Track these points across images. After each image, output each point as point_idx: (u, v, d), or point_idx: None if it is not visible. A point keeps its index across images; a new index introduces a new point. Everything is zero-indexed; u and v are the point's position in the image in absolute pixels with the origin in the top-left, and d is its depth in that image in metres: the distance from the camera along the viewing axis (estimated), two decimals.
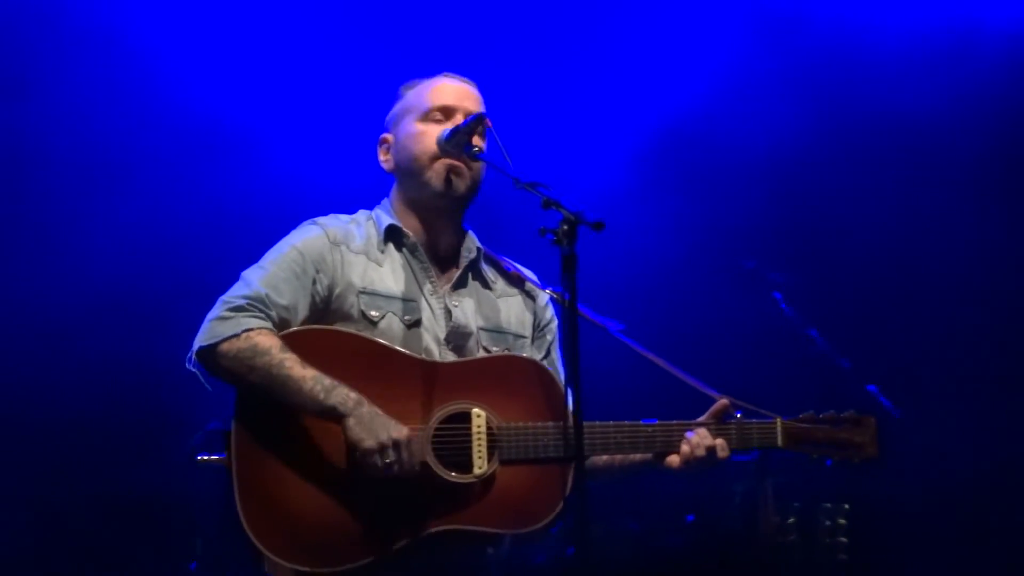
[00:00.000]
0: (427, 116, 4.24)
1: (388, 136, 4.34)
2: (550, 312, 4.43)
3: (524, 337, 4.33)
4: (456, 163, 4.20)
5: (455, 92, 4.27)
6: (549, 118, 7.33)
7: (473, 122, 4.16)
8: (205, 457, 4.02)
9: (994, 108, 7.36)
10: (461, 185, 4.22)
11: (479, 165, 4.22)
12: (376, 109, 4.50)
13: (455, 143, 4.17)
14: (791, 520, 6.69)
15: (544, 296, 4.41)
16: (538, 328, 4.39)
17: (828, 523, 6.67)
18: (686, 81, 7.51)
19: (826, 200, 7.41)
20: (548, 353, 4.39)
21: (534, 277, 4.42)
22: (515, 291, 4.39)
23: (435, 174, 4.21)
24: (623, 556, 6.34)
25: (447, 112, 4.24)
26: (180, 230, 6.74)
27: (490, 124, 4.19)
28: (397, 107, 4.35)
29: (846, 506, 6.68)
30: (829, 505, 6.68)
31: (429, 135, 4.22)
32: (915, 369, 7.16)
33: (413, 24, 7.12)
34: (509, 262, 4.42)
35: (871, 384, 6.68)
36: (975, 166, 7.35)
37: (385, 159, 4.33)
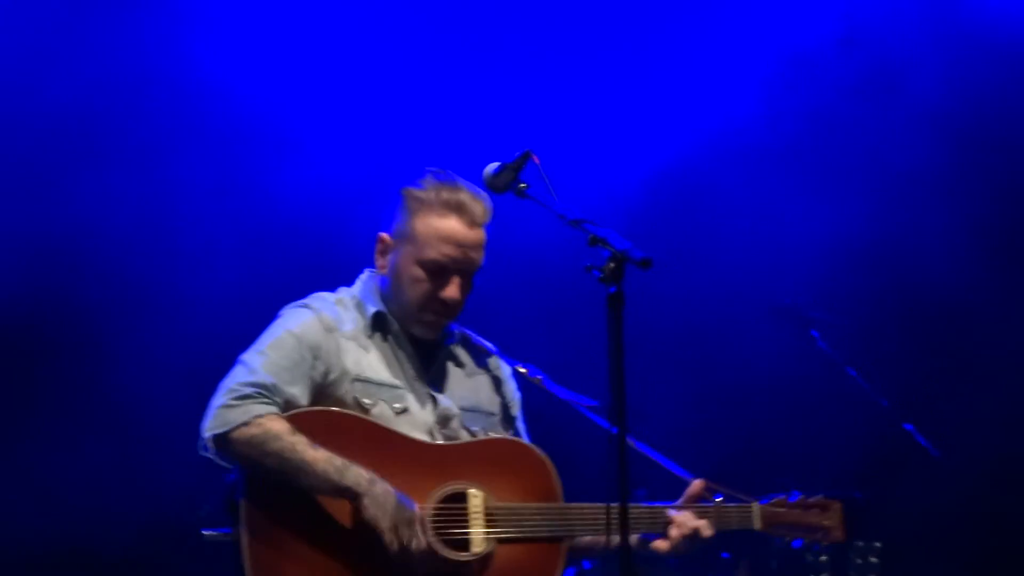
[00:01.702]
0: (425, 264, 4.24)
1: (388, 240, 4.31)
2: (513, 386, 4.52)
3: (495, 414, 4.44)
4: (444, 314, 4.29)
5: (459, 247, 4.24)
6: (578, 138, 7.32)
7: (520, 159, 4.17)
8: (212, 533, 4.15)
9: None
10: (444, 326, 4.35)
11: (465, 298, 4.30)
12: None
13: (503, 180, 4.17)
14: (823, 558, 6.68)
15: (507, 370, 4.51)
16: (504, 406, 4.48)
17: (859, 562, 6.66)
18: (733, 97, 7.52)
19: (876, 239, 7.37)
20: (515, 431, 4.49)
21: (496, 349, 4.51)
22: (482, 369, 4.48)
23: (423, 324, 4.30)
24: None
25: (443, 273, 4.25)
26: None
27: (538, 160, 4.20)
28: (404, 216, 4.29)
29: (877, 544, 6.67)
30: (861, 543, 6.66)
31: (423, 287, 4.25)
32: (953, 409, 7.13)
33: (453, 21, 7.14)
34: (474, 336, 4.50)
35: (907, 423, 6.68)
36: None
37: (381, 264, 4.33)
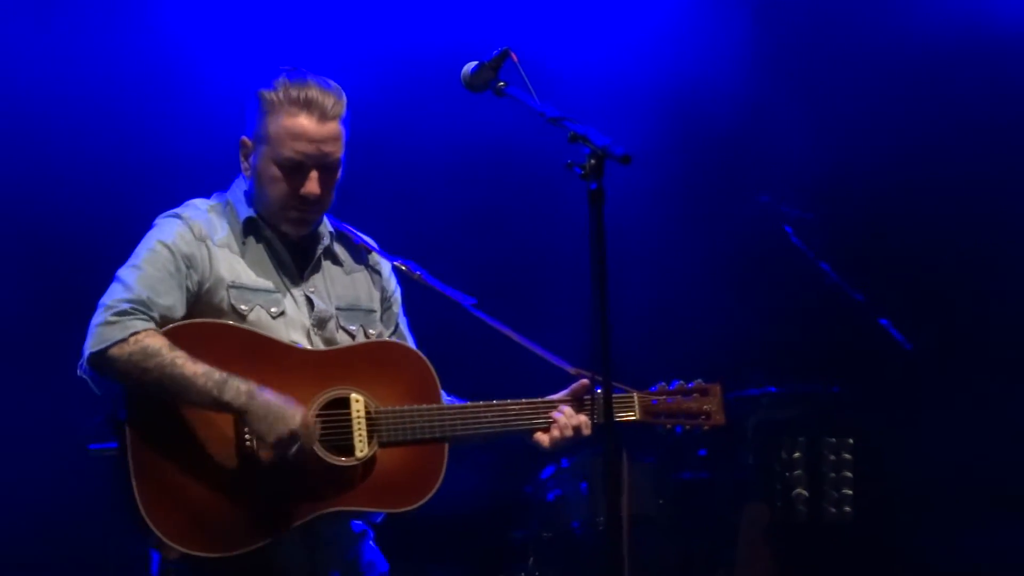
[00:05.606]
0: (281, 163, 4.26)
1: (248, 143, 4.33)
2: (393, 283, 4.56)
3: (375, 311, 4.46)
4: (308, 210, 4.28)
5: (311, 143, 4.23)
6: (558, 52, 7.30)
7: (498, 57, 4.15)
8: (98, 448, 4.15)
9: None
10: (312, 221, 4.35)
11: (331, 192, 4.31)
12: None
13: (481, 79, 4.17)
14: (796, 455, 6.74)
15: (387, 266, 4.54)
16: (384, 301, 4.51)
17: (833, 458, 6.72)
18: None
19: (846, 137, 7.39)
20: (396, 326, 4.53)
21: (376, 246, 4.53)
22: (361, 266, 4.50)
23: (289, 222, 4.30)
24: (642, 487, 6.38)
25: (300, 169, 4.25)
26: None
27: (516, 58, 4.18)
28: (259, 117, 4.29)
29: (850, 440, 6.73)
30: (834, 439, 6.72)
31: (282, 185, 4.26)
32: (927, 303, 7.17)
33: None
34: (355, 233, 4.51)
35: (883, 318, 6.73)
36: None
37: (245, 167, 4.35)
